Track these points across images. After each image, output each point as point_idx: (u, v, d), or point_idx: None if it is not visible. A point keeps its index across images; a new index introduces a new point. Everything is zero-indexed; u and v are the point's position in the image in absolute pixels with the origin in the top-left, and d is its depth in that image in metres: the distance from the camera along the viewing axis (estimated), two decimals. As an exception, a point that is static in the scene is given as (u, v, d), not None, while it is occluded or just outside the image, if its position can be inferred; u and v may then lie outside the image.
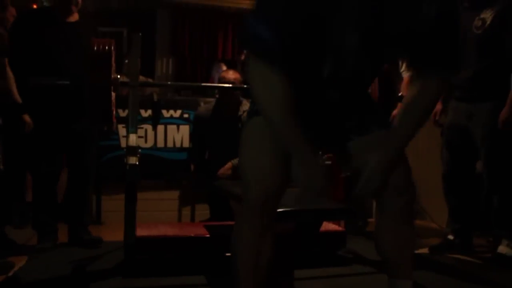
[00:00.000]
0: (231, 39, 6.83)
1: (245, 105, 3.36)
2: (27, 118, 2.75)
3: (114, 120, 2.90)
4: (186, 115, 4.10)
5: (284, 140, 1.44)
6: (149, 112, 4.04)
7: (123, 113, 3.74)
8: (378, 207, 1.69)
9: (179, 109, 4.11)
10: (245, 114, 3.32)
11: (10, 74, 2.74)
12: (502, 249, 2.72)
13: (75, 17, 2.91)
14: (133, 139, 2.18)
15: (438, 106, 3.04)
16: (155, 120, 4.08)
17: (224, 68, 5.90)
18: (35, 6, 4.57)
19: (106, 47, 2.18)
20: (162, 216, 4.05)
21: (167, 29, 6.69)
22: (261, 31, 1.35)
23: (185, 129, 4.03)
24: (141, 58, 3.80)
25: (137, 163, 2.04)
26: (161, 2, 6.50)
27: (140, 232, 2.32)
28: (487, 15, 2.68)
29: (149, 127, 4.06)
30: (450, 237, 3.02)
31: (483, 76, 2.70)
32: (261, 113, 1.47)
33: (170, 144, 4.08)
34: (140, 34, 2.39)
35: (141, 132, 3.99)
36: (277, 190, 1.55)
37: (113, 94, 2.25)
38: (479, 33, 2.69)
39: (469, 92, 2.78)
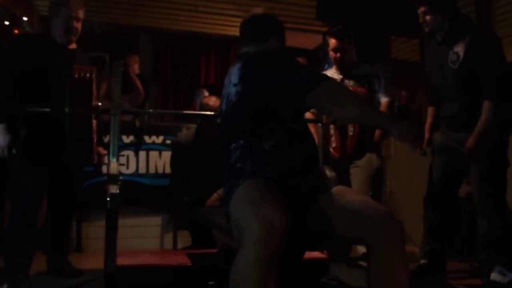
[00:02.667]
0: (214, 64, 6.89)
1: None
2: None
3: (96, 149, 2.85)
4: (168, 141, 4.09)
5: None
6: (131, 138, 4.03)
7: (106, 139, 3.71)
8: (369, 240, 1.70)
9: (162, 135, 4.11)
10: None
11: None
12: (495, 276, 2.70)
13: (73, 45, 2.88)
14: (114, 166, 2.16)
15: (426, 135, 3.08)
16: (137, 146, 4.08)
17: (206, 94, 5.92)
18: (16, 31, 4.56)
19: (87, 74, 2.18)
20: (144, 242, 4.01)
21: (149, 54, 6.73)
22: None
23: (167, 155, 4.00)
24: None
25: (118, 191, 2.01)
26: (143, 28, 6.53)
27: (121, 261, 2.28)
28: (460, 49, 2.73)
29: (131, 153, 4.04)
30: (423, 261, 3.02)
31: (471, 108, 2.74)
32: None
33: (152, 170, 4.06)
34: (122, 61, 2.38)
35: (122, 158, 3.97)
36: (282, 226, 1.53)
37: (94, 121, 2.24)
38: (456, 67, 2.75)
39: (460, 123, 2.82)
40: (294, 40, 6.54)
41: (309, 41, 6.50)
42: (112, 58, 6.32)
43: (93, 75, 2.20)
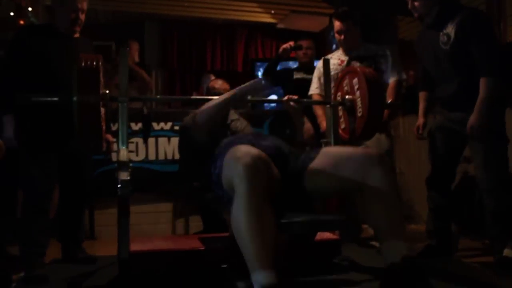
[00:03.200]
0: (220, 50, 6.87)
1: (233, 115, 3.36)
2: None
3: (105, 136, 2.86)
4: (176, 127, 4.09)
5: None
6: (139, 125, 4.04)
7: (114, 127, 3.73)
8: (361, 181, 1.79)
9: (170, 121, 4.10)
10: (232, 123, 3.32)
11: None
12: (508, 252, 2.72)
13: (77, 34, 2.89)
14: (123, 154, 2.17)
15: (421, 120, 3.08)
16: (145, 133, 4.09)
17: (213, 78, 5.91)
18: (22, 22, 4.57)
19: (94, 63, 2.18)
20: (156, 228, 4.04)
21: (155, 41, 6.72)
22: None
23: (176, 141, 4.00)
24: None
25: (128, 178, 2.02)
26: (148, 15, 6.51)
27: (134, 247, 2.30)
28: (450, 30, 2.74)
29: (139, 140, 4.05)
30: (431, 242, 3.03)
31: (466, 87, 2.75)
32: None
33: (161, 156, 4.07)
34: (128, 48, 2.38)
35: (132, 145, 3.98)
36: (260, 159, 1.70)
37: (102, 109, 2.24)
38: (447, 48, 2.76)
39: (456, 103, 2.83)
40: (300, 22, 6.51)
41: (315, 24, 6.45)
42: (118, 46, 6.35)
43: (100, 63, 2.20)
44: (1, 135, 2.95)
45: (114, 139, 3.07)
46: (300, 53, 4.18)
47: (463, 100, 2.77)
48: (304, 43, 4.18)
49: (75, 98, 2.08)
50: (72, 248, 2.97)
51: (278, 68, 4.61)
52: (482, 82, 2.66)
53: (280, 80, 4.44)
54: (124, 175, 2.01)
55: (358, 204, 1.85)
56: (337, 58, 3.40)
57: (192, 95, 6.34)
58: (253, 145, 2.01)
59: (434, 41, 2.83)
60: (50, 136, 2.71)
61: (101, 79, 2.24)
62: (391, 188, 1.79)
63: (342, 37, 3.30)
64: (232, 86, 6.18)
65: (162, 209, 4.12)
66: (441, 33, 2.79)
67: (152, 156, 4.07)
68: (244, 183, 1.63)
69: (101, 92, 2.19)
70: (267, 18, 6.58)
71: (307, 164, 2.04)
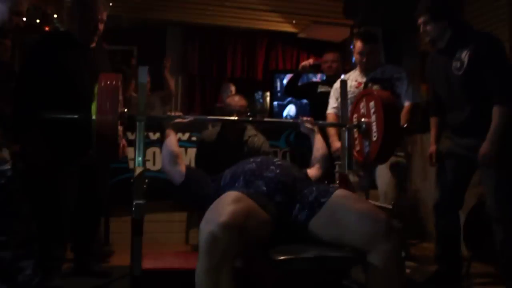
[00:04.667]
0: (240, 58, 6.90)
1: (250, 130, 3.39)
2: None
3: (121, 151, 2.90)
4: (194, 138, 4.14)
5: None
6: (157, 134, 4.08)
7: (131, 136, 3.78)
8: (366, 253, 1.77)
9: (187, 132, 4.15)
10: (250, 139, 3.35)
11: None
12: None
13: (93, 44, 2.92)
14: (139, 172, 2.21)
15: (433, 147, 3.07)
16: (163, 143, 4.12)
17: (233, 88, 5.96)
18: (47, 29, 4.66)
19: (114, 82, 2.22)
20: (169, 237, 4.08)
21: (177, 47, 6.77)
22: None
23: (192, 152, 4.04)
24: (151, 75, 3.90)
25: (143, 201, 2.05)
26: (170, 22, 6.57)
27: (147, 264, 2.33)
28: (463, 55, 2.70)
29: (157, 150, 4.09)
30: (440, 268, 3.02)
31: (478, 114, 2.73)
32: None
33: (178, 167, 4.11)
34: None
35: (149, 155, 4.03)
36: (225, 237, 1.70)
37: (120, 128, 2.28)
38: (460, 74, 2.72)
39: (467, 130, 2.81)
40: (321, 33, 6.51)
41: (336, 34, 6.45)
42: (140, 51, 6.43)
43: (119, 83, 2.24)
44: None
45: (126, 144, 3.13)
46: (325, 66, 4.21)
47: (475, 126, 2.75)
48: (329, 56, 4.20)
49: (94, 117, 2.13)
50: (85, 260, 3.01)
51: (303, 81, 4.67)
52: (495, 111, 2.64)
53: (305, 93, 4.49)
54: (138, 199, 2.04)
55: (363, 266, 1.84)
56: (354, 80, 3.40)
57: (211, 102, 6.41)
58: (251, 181, 2.07)
59: (446, 66, 2.79)
60: (72, 150, 2.74)
61: (120, 97, 2.28)
62: (396, 265, 1.76)
63: (364, 59, 3.29)
64: (250, 95, 6.21)
65: (176, 218, 4.16)
66: (454, 59, 2.75)
67: (168, 166, 4.10)
68: (202, 255, 1.71)
69: (119, 110, 2.24)
70: (288, 28, 6.60)
71: (311, 216, 1.98)
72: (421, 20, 2.83)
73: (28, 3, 2.48)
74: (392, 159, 3.06)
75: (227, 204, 1.82)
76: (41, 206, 2.68)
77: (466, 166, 2.87)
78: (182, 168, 2.38)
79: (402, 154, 3.30)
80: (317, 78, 5.47)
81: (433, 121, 3.10)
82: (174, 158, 2.40)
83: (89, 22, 2.83)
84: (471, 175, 2.94)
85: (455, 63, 2.75)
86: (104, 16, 2.90)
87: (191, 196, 2.34)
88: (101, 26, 2.89)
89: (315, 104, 4.17)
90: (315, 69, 4.22)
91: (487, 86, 2.67)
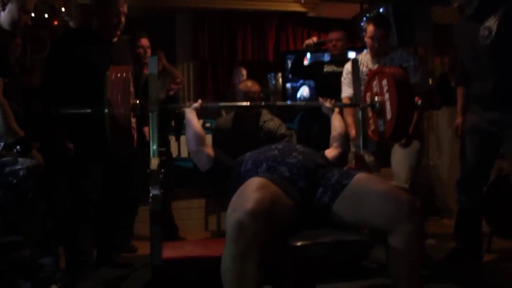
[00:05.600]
0: (250, 40, 6.85)
1: (265, 115, 3.37)
2: (35, 153, 2.43)
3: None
4: (208, 125, 4.14)
5: None
6: (172, 123, 4.09)
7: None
8: (388, 233, 1.77)
9: (201, 118, 4.14)
10: (265, 124, 3.33)
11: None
12: None
13: (115, 38, 2.91)
14: (154, 163, 2.21)
15: (459, 119, 3.01)
16: (178, 131, 4.14)
17: (244, 72, 5.92)
18: (56, 23, 4.66)
19: (124, 74, 2.21)
20: (188, 224, 4.12)
21: (186, 33, 6.74)
22: None
23: (207, 138, 4.00)
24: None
25: (159, 193, 2.06)
26: (179, 8, 6.53)
27: (167, 253, 2.36)
28: (492, 23, 2.59)
29: (172, 138, 4.11)
30: (458, 245, 2.99)
31: (504, 85, 2.64)
32: None
33: (193, 154, 4.12)
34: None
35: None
36: (252, 224, 1.67)
37: (133, 120, 2.28)
38: (488, 43, 2.61)
39: (492, 102, 2.72)
40: (331, 10, 6.42)
41: (346, 11, 6.35)
42: (150, 40, 6.40)
43: (130, 75, 2.24)
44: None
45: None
46: (330, 45, 4.15)
47: (500, 99, 2.66)
48: (333, 35, 4.14)
49: (106, 111, 2.13)
50: (108, 252, 3.03)
51: (310, 61, 4.60)
52: None
53: (310, 73, 4.43)
54: (155, 189, 2.05)
55: (385, 246, 1.83)
56: (365, 66, 3.35)
57: (224, 87, 6.39)
58: (274, 167, 2.05)
59: (473, 34, 2.67)
60: (99, 146, 2.66)
61: (131, 89, 2.28)
62: (418, 246, 1.76)
63: (376, 44, 3.24)
64: (263, 78, 6.15)
65: (195, 205, 4.19)
66: (482, 27, 2.62)
67: (184, 154, 4.13)
68: (229, 242, 1.70)
69: (131, 102, 2.24)
70: (297, 7, 6.52)
71: (334, 198, 1.97)
72: None
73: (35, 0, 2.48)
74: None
75: (253, 191, 1.80)
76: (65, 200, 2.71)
77: (491, 141, 2.80)
78: (210, 151, 2.32)
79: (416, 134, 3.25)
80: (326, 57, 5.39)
81: (460, 91, 3.02)
82: (201, 139, 2.34)
83: (112, 16, 2.81)
84: (496, 151, 2.87)
85: (483, 31, 2.62)
86: (125, 8, 2.87)
87: (221, 181, 2.31)
88: (122, 19, 2.86)
89: (321, 84, 4.11)
90: (320, 46, 4.13)
91: None
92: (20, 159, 2.19)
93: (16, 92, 2.51)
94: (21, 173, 2.19)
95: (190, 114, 2.39)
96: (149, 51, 3.75)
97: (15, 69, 2.64)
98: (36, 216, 2.24)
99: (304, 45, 4.07)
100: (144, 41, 3.77)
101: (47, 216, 2.31)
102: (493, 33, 2.58)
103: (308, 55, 5.23)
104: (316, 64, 4.45)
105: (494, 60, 2.64)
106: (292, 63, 4.43)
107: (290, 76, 5.57)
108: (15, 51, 3.13)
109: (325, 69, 4.11)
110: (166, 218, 3.62)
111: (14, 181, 2.17)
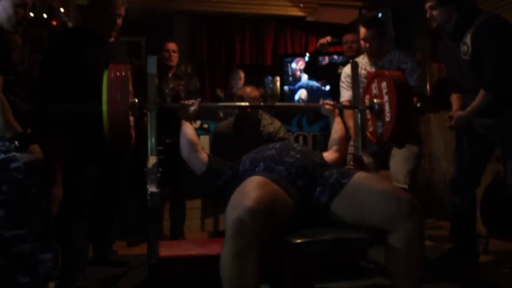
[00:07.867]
0: (249, 44, 6.86)
1: (265, 120, 3.37)
2: (35, 148, 2.36)
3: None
4: (205, 126, 4.14)
5: None
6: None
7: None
8: (387, 232, 1.76)
9: (199, 119, 4.14)
10: (265, 128, 3.33)
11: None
12: None
13: (112, 38, 2.92)
14: (152, 162, 2.21)
15: (455, 111, 3.01)
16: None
17: (242, 75, 5.93)
18: (54, 23, 4.65)
19: (123, 73, 2.21)
20: (185, 224, 4.09)
21: (184, 36, 6.74)
22: None
23: (205, 139, 4.05)
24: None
25: (157, 190, 2.05)
26: (177, 11, 6.54)
27: (163, 252, 2.35)
28: (468, 39, 2.68)
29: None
30: (453, 246, 3.00)
31: None
32: None
33: (190, 154, 4.11)
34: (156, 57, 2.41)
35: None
36: (253, 222, 1.66)
37: (131, 118, 2.28)
38: (468, 58, 2.70)
39: (485, 112, 2.77)
40: (329, 15, 6.44)
41: (345, 16, 6.37)
42: (148, 42, 6.41)
43: (129, 73, 2.24)
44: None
45: None
46: (345, 47, 4.14)
47: (490, 108, 2.72)
48: (349, 37, 4.13)
49: (104, 109, 2.13)
50: (103, 250, 3.03)
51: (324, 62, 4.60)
52: (480, 93, 2.67)
53: (325, 74, 4.44)
54: (153, 187, 2.04)
55: (385, 245, 1.83)
56: (363, 68, 3.35)
57: (222, 90, 6.39)
58: (272, 167, 2.05)
59: (456, 51, 2.77)
60: (95, 145, 2.67)
61: (130, 87, 2.28)
62: (417, 246, 1.76)
63: (367, 45, 3.26)
64: (260, 81, 6.13)
65: (191, 205, 4.17)
66: (461, 43, 2.72)
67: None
68: (229, 240, 1.68)
69: (130, 101, 2.23)
70: (296, 12, 6.54)
71: (333, 197, 1.96)
72: (427, 4, 2.79)
73: None
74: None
75: (252, 189, 1.80)
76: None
77: (484, 144, 2.84)
78: (203, 156, 2.35)
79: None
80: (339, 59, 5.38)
81: (454, 97, 3.04)
82: (193, 146, 2.37)
83: (108, 17, 2.82)
84: (489, 154, 2.92)
85: (462, 47, 2.72)
86: (122, 10, 2.88)
87: (212, 185, 2.31)
88: (119, 21, 2.88)
89: (336, 85, 4.11)
90: (333, 46, 4.13)
91: (484, 66, 2.64)
92: (17, 154, 2.18)
93: (22, 90, 2.50)
94: (23, 168, 2.19)
95: (184, 122, 2.45)
96: (174, 55, 3.78)
97: (19, 67, 2.63)
98: (39, 212, 2.23)
99: (319, 44, 4.08)
100: (171, 45, 3.80)
101: (48, 212, 2.31)
102: (470, 49, 2.67)
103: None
104: (331, 66, 4.46)
105: (476, 73, 2.72)
106: (307, 62, 4.43)
107: (290, 79, 5.58)
108: (15, 51, 3.12)
109: (339, 71, 4.12)
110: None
111: (19, 176, 2.18)
